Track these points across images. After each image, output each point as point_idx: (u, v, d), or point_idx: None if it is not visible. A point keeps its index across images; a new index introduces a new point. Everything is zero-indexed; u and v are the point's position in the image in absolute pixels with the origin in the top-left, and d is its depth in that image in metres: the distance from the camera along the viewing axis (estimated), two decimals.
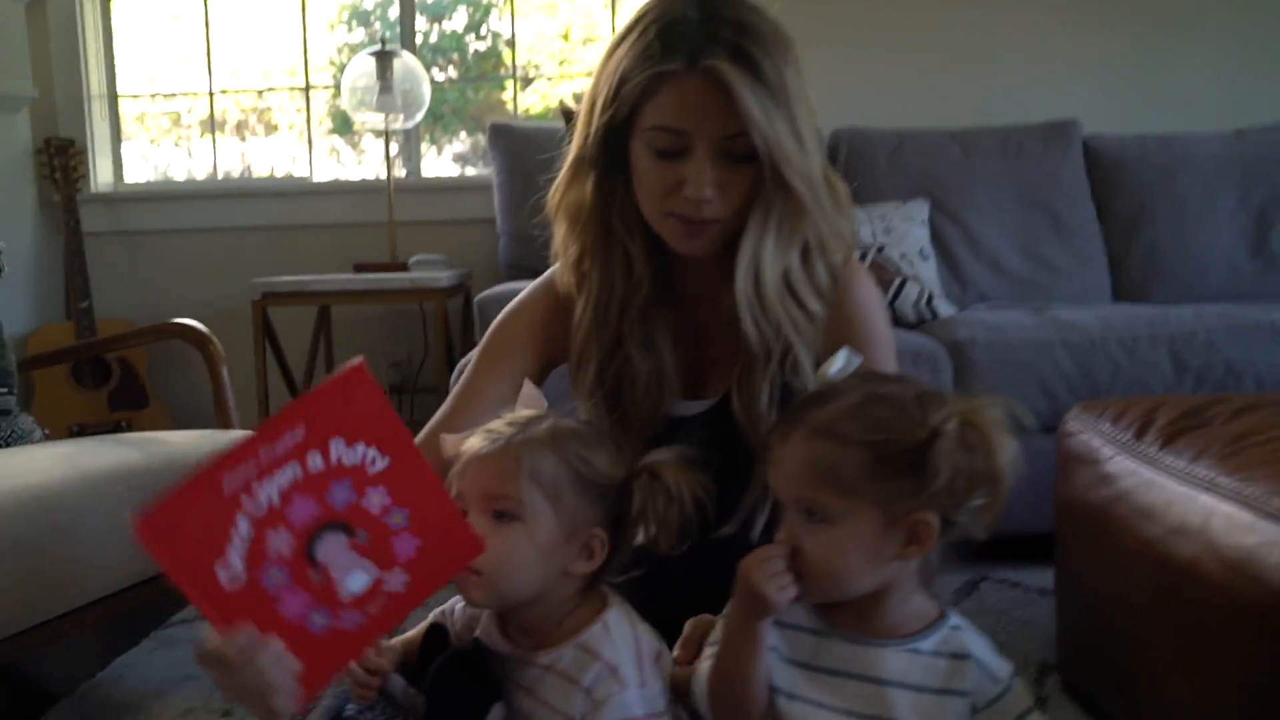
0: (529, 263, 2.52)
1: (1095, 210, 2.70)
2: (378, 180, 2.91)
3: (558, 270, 1.12)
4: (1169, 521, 1.16)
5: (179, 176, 3.15)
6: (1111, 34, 2.95)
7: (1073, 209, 2.67)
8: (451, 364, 2.47)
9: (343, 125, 3.11)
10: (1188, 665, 1.11)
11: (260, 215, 2.91)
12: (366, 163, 3.12)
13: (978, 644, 0.87)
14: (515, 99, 3.14)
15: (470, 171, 3.15)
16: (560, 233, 1.08)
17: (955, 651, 0.86)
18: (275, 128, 3.14)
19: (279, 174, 3.08)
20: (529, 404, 0.94)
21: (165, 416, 2.77)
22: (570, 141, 1.06)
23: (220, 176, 3.08)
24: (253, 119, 3.18)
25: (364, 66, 2.50)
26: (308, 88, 3.04)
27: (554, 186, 1.08)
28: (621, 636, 0.89)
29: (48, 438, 1.72)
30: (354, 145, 3.16)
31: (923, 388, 0.87)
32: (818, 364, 0.98)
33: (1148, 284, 2.63)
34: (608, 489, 0.88)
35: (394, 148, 2.74)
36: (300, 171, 3.06)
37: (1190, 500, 1.14)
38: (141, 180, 3.10)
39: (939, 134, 2.74)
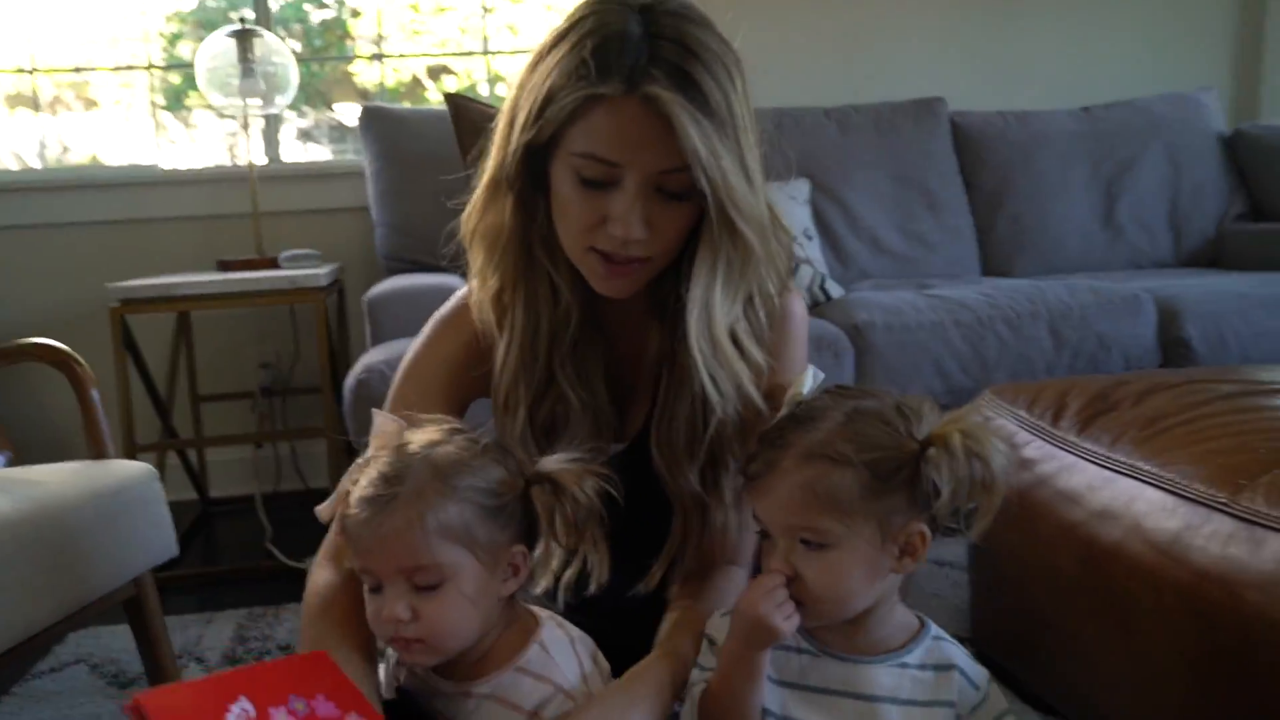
0: (409, 254, 2.41)
1: (963, 186, 2.81)
2: (236, 168, 2.70)
3: (471, 299, 1.01)
4: (1093, 505, 1.22)
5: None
6: (971, 13, 3.07)
7: (943, 185, 2.77)
8: (335, 364, 2.33)
9: (175, 103, 2.86)
10: (1113, 639, 1.17)
11: (104, 209, 2.65)
12: (204, 145, 2.88)
13: (958, 654, 0.89)
14: (382, 76, 2.98)
15: (324, 153, 2.97)
16: (478, 261, 0.97)
17: (939, 663, 0.87)
18: (95, 104, 2.84)
19: (104, 158, 2.80)
20: (384, 430, 0.87)
21: (4, 440, 2.50)
22: (484, 156, 0.96)
23: (41, 164, 2.78)
24: (68, 95, 2.89)
25: (221, 46, 2.29)
26: (149, 67, 2.78)
27: (468, 209, 0.97)
28: (563, 655, 0.88)
29: None
30: (185, 123, 2.92)
31: (895, 398, 0.87)
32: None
33: (1012, 256, 2.77)
34: (512, 505, 0.85)
35: (252, 132, 2.54)
36: (136, 157, 2.80)
37: (1113, 484, 1.20)
38: None
39: (815, 111, 2.78)
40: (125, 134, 2.83)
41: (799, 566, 0.82)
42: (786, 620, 0.80)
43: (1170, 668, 1.08)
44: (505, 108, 0.91)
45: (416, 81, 3.03)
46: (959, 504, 0.81)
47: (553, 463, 0.86)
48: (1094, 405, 1.35)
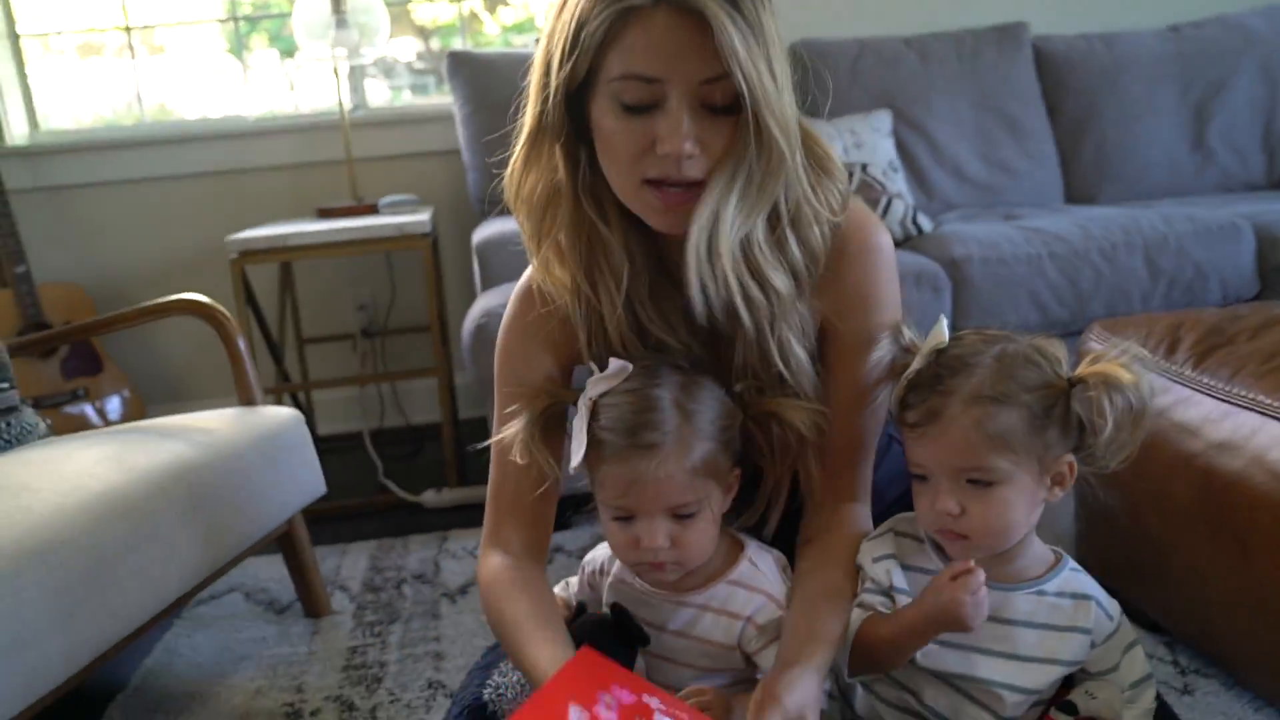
0: (503, 198, 2.47)
1: (1046, 112, 2.78)
2: (326, 115, 2.77)
3: (533, 274, 1.01)
4: (1212, 437, 1.26)
5: (91, 119, 2.91)
6: None
7: (1026, 112, 2.74)
8: (441, 306, 2.41)
9: (237, 49, 2.90)
10: (1231, 565, 1.23)
11: (199, 161, 2.74)
12: (277, 91, 2.93)
13: (1093, 586, 0.95)
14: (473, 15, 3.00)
15: (419, 100, 3.02)
16: (528, 231, 0.96)
17: (1076, 592, 0.94)
18: (160, 52, 2.88)
19: (173, 108, 2.88)
20: (605, 375, 0.93)
21: (123, 381, 2.65)
22: (520, 114, 0.93)
23: (145, 117, 2.87)
24: (136, 45, 2.95)
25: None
26: (235, 19, 2.84)
27: (509, 171, 0.95)
28: (769, 569, 0.98)
29: (50, 430, 1.64)
30: (246, 68, 2.95)
31: (1028, 339, 0.92)
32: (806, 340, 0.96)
33: (1097, 183, 2.75)
34: (736, 432, 0.95)
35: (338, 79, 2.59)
36: (207, 107, 2.87)
37: (1234, 417, 1.24)
38: (61, 128, 2.87)
39: (895, 41, 2.75)
40: (194, 84, 2.87)
41: (966, 504, 0.88)
42: (979, 620, 0.86)
43: None
44: (538, 57, 0.89)
45: (474, 15, 3.02)
46: (1118, 435, 0.86)
47: (776, 399, 0.94)
48: (1209, 339, 1.38)
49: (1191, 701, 1.30)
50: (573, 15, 0.84)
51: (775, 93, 0.84)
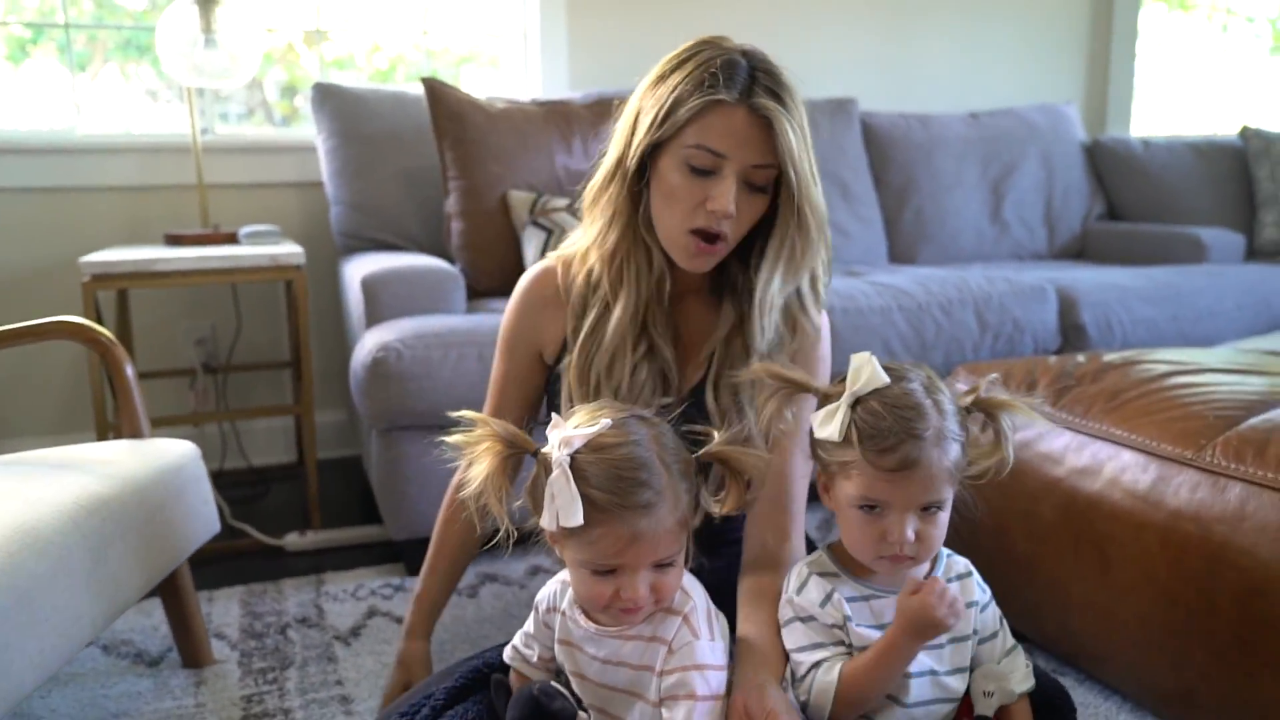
0: (368, 233, 2.45)
1: (873, 181, 3.09)
2: (172, 137, 2.61)
3: (562, 262, 1.25)
4: (1073, 464, 1.47)
5: None
6: (877, 17, 3.33)
7: (856, 179, 3.03)
8: (297, 342, 2.33)
9: (18, 54, 2.66)
10: (1090, 575, 1.43)
11: (20, 176, 2.50)
12: (105, 111, 2.72)
13: (967, 563, 1.11)
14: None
15: (277, 133, 2.91)
16: (596, 225, 1.19)
17: (959, 573, 1.09)
18: None
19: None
20: (558, 425, 0.96)
21: None
22: (605, 149, 1.19)
23: None
24: None
25: (183, 14, 2.23)
26: (67, 25, 2.63)
27: (591, 184, 1.19)
28: (697, 595, 1.02)
29: None
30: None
31: (920, 372, 1.04)
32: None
33: (915, 246, 3.08)
34: (693, 475, 0.99)
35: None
36: (25, 122, 2.64)
37: (1090, 446, 1.46)
38: None
39: None
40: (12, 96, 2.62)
41: (919, 531, 0.98)
42: (956, 617, 0.95)
43: (1142, 594, 1.34)
44: (627, 114, 1.16)
45: (290, 48, 2.94)
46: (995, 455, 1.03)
47: (723, 446, 0.99)
48: (1060, 382, 1.61)
49: None
50: (670, 92, 1.09)
51: (813, 186, 1.11)
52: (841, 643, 1.02)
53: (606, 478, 0.91)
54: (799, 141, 1.08)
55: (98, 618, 1.19)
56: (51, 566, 1.10)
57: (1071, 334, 2.42)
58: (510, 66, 3.05)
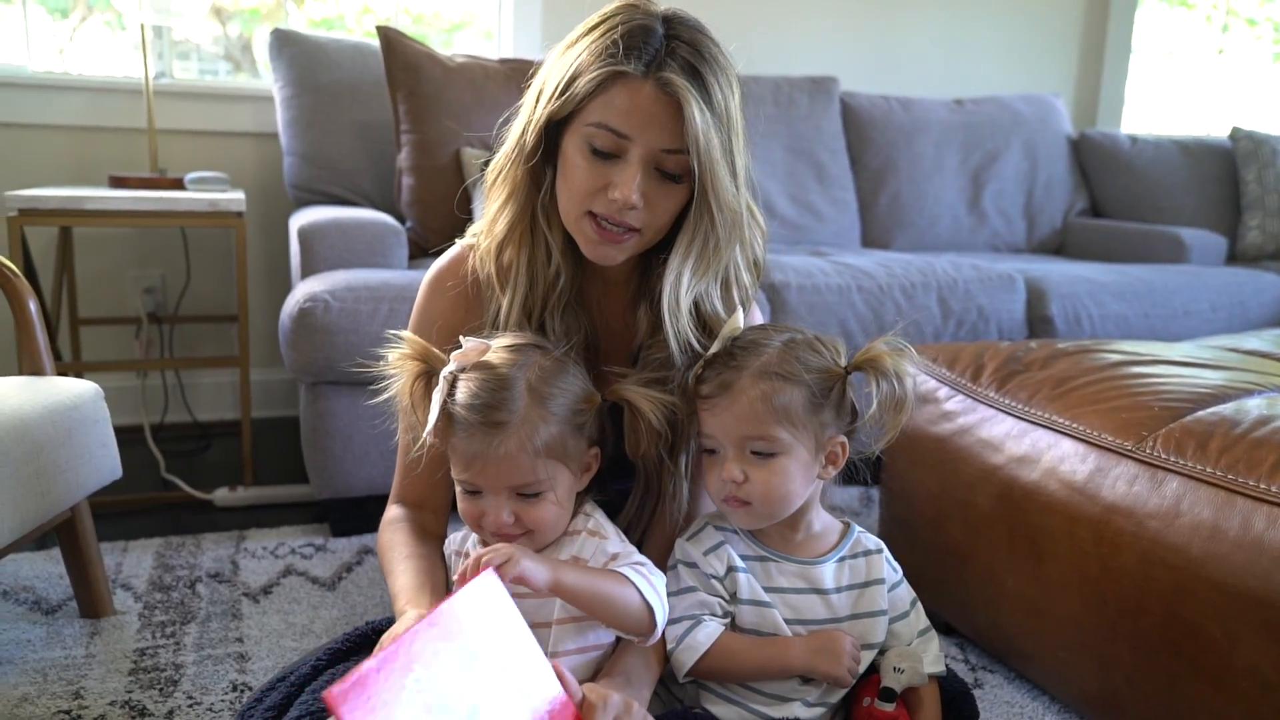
0: (320, 185, 2.37)
1: (850, 163, 3.01)
2: (126, 79, 2.52)
3: (471, 248, 1.11)
4: (1013, 452, 1.40)
5: None
6: None
7: (833, 160, 2.96)
8: (240, 293, 2.25)
9: None
10: (1023, 567, 1.37)
11: None
12: (46, 47, 2.64)
13: (877, 540, 1.10)
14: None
15: (219, 76, 2.82)
16: (491, 207, 1.07)
17: (866, 550, 1.08)
18: None
19: None
20: (465, 351, 0.95)
21: None
22: (508, 123, 1.06)
23: None
24: None
25: None
26: None
27: (492, 165, 1.06)
28: (602, 515, 1.02)
29: None
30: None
31: (812, 333, 1.04)
32: None
33: (890, 231, 3.01)
34: (592, 416, 0.98)
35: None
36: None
37: (1031, 434, 1.39)
38: None
39: None
40: None
41: (750, 473, 0.97)
42: (853, 675, 0.99)
43: (1074, 588, 1.28)
44: (534, 84, 1.02)
45: (279, 3, 2.85)
46: (882, 419, 0.98)
47: (628, 386, 0.97)
48: (1007, 367, 1.54)
49: (981, 694, 1.43)
50: (574, 60, 0.96)
51: (727, 176, 0.97)
52: (717, 594, 1.02)
53: (467, 394, 0.92)
54: (711, 124, 0.93)
55: None
56: None
57: (1039, 325, 2.36)
58: (487, 28, 2.96)
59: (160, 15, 2.25)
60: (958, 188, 3.08)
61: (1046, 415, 1.39)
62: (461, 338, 0.96)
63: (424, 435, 0.93)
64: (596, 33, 0.97)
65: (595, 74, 0.94)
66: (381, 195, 2.37)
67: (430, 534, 1.09)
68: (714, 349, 1.02)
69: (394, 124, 2.25)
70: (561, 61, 0.98)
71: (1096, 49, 3.62)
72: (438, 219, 2.19)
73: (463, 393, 0.92)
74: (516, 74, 2.33)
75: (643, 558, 0.99)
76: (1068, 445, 1.33)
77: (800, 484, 1.00)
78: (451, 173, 2.19)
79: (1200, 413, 1.28)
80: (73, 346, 2.44)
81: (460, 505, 0.96)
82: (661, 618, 0.95)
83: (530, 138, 1.00)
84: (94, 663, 1.41)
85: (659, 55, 0.94)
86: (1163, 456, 1.22)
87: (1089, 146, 3.32)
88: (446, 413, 0.91)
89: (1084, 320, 2.36)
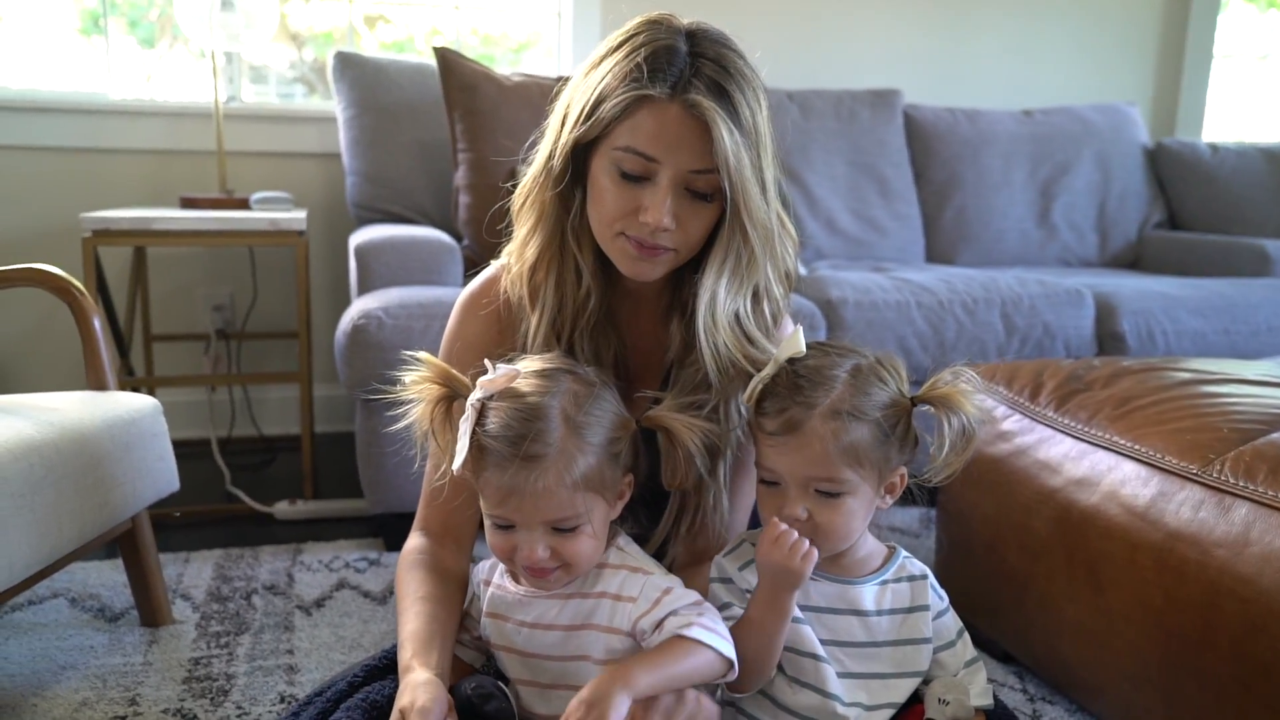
0: (381, 204, 2.41)
1: (913, 176, 2.95)
2: (196, 104, 2.62)
3: (505, 269, 1.10)
4: (1071, 474, 1.35)
5: None
6: (926, 9, 3.19)
7: (896, 173, 2.90)
8: (302, 310, 2.31)
9: (90, 27, 2.70)
10: (1083, 595, 1.31)
11: (51, 134, 2.53)
12: (125, 76, 2.74)
13: (923, 566, 1.04)
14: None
15: (294, 99, 2.91)
16: (520, 233, 1.06)
17: (913, 575, 1.03)
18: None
19: (42, 83, 2.67)
20: (493, 379, 0.92)
21: None
22: (534, 146, 1.05)
23: None
24: None
25: None
26: None
27: (519, 189, 1.06)
28: (635, 548, 0.99)
29: None
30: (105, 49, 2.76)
31: (871, 355, 0.99)
32: None
33: (955, 246, 2.94)
34: (626, 443, 0.95)
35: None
36: (47, 83, 2.67)
37: (1091, 456, 1.33)
38: None
39: (779, 93, 2.87)
40: (45, 61, 2.66)
41: (813, 511, 0.93)
42: (804, 560, 0.90)
43: (1136, 619, 1.22)
44: (559, 106, 1.01)
45: (353, 29, 2.95)
46: (949, 456, 0.94)
47: (664, 412, 0.95)
48: (1068, 385, 1.49)
49: None
50: (598, 83, 0.95)
51: (758, 194, 0.95)
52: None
53: (499, 425, 0.88)
54: (740, 144, 0.92)
55: (18, 564, 1.16)
56: None
57: (1109, 343, 2.27)
58: (548, 48, 3.00)
59: (230, 41, 2.33)
60: (1026, 201, 3.00)
61: (1107, 436, 1.33)
62: (488, 363, 0.94)
63: (454, 468, 0.89)
64: (620, 54, 0.95)
65: (621, 98, 0.92)
66: (441, 213, 2.41)
67: (449, 572, 1.05)
68: (769, 371, 0.98)
69: (450, 143, 2.28)
70: (586, 84, 0.97)
71: (1175, 55, 3.50)
72: (494, 236, 2.20)
73: (494, 423, 0.88)
74: None
75: (694, 595, 0.94)
76: (1129, 468, 1.27)
77: (862, 520, 0.97)
78: (508, 191, 2.20)
79: (1274, 435, 1.21)
80: (146, 362, 2.52)
81: (491, 539, 0.93)
82: (734, 656, 0.91)
83: (557, 162, 0.99)
84: (150, 670, 1.44)
85: (684, 76, 0.92)
86: (1231, 481, 1.15)
87: (1166, 156, 3.20)
88: (478, 444, 0.88)
89: (1158, 337, 2.26)
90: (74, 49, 2.68)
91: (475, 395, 0.90)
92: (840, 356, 0.97)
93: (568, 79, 1.03)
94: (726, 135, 0.90)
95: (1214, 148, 3.19)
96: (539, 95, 2.31)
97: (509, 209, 1.09)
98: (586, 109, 0.95)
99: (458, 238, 2.25)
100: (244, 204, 2.32)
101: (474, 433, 0.88)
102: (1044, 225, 3.01)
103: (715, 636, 0.89)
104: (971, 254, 2.92)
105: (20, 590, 1.21)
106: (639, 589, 0.93)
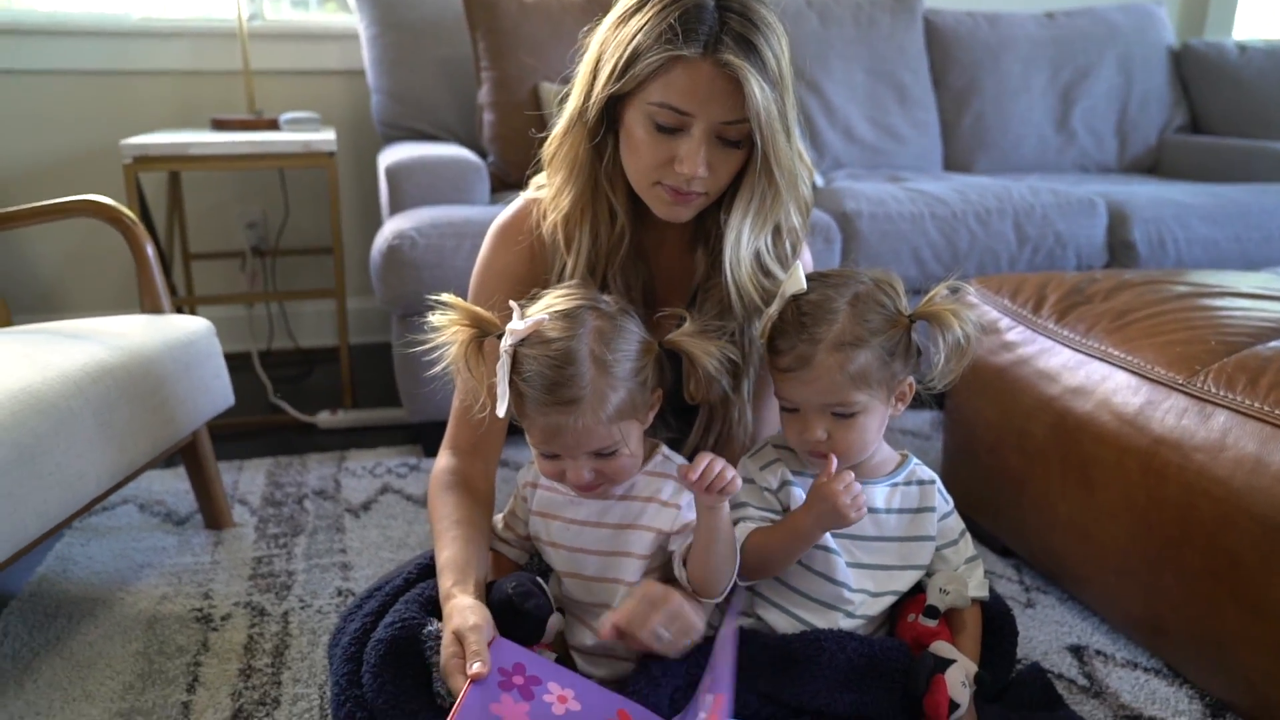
0: (407, 122, 2.47)
1: (932, 83, 2.95)
2: (222, 22, 2.65)
3: (534, 203, 1.17)
4: (1068, 383, 1.43)
5: None
6: None
7: (915, 81, 2.90)
8: (334, 228, 2.39)
9: None
10: (1075, 494, 1.41)
11: (78, 58, 2.58)
12: None
13: (931, 472, 1.15)
14: None
15: (323, 19, 2.93)
16: (555, 181, 1.13)
17: (920, 479, 1.14)
18: None
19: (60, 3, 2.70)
20: (514, 328, 0.99)
21: None
22: (562, 96, 1.11)
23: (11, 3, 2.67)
24: None
25: None
26: None
27: (550, 137, 1.12)
28: (677, 459, 1.10)
29: None
30: None
31: (870, 277, 1.08)
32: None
33: (973, 153, 2.95)
34: (651, 365, 1.03)
35: None
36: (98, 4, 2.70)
37: (1087, 366, 1.42)
38: None
39: (797, 1, 2.85)
40: None
41: (832, 431, 1.04)
42: (858, 512, 1.00)
43: (1122, 517, 1.32)
44: (588, 58, 1.07)
45: None
46: (946, 366, 1.04)
47: (685, 336, 1.03)
48: (1069, 298, 1.56)
49: (1033, 613, 1.49)
50: (630, 39, 1.00)
51: (783, 140, 1.02)
52: (773, 508, 1.10)
53: (534, 372, 0.96)
54: (769, 93, 0.98)
55: (103, 476, 1.28)
56: (54, 426, 1.19)
57: (1120, 251, 2.32)
58: None
59: None
60: (1045, 106, 3.00)
61: (1102, 348, 1.41)
62: (514, 306, 1.01)
63: (499, 413, 0.97)
64: (649, 11, 1.00)
65: (655, 58, 0.98)
66: (465, 129, 2.46)
67: (478, 490, 1.15)
68: (775, 307, 1.07)
69: (474, 61, 2.32)
70: (617, 39, 1.02)
71: None
72: (517, 153, 2.27)
73: (529, 370, 0.96)
74: (592, 5, 2.36)
75: None
76: (1121, 378, 1.36)
77: (877, 430, 1.08)
78: (530, 107, 2.26)
79: (1258, 347, 1.29)
80: (186, 281, 2.63)
81: (540, 466, 1.04)
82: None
83: (592, 115, 1.05)
84: (219, 569, 1.58)
85: (714, 33, 0.97)
86: (1212, 391, 1.23)
87: (1191, 57, 3.17)
88: (516, 390, 0.97)
89: (1169, 245, 2.31)
90: None
91: (507, 342, 0.97)
92: (839, 287, 1.05)
93: (590, 30, 1.07)
94: (757, 90, 0.97)
95: (1242, 47, 3.15)
96: (559, 10, 2.34)
97: (535, 139, 1.16)
98: (620, 65, 1.01)
99: (482, 154, 2.31)
100: (273, 124, 2.38)
101: (511, 379, 0.97)
102: (1063, 131, 3.01)
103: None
104: (989, 161, 2.94)
105: (101, 499, 1.34)
106: (670, 493, 1.04)
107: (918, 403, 1.13)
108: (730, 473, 0.94)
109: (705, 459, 0.93)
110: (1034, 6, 3.17)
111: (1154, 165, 3.11)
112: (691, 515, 1.02)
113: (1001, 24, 3.00)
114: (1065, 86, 3.02)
